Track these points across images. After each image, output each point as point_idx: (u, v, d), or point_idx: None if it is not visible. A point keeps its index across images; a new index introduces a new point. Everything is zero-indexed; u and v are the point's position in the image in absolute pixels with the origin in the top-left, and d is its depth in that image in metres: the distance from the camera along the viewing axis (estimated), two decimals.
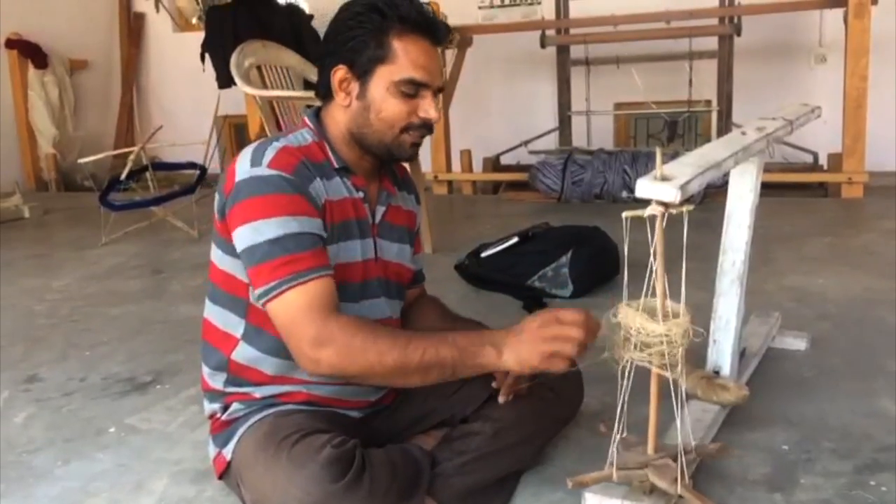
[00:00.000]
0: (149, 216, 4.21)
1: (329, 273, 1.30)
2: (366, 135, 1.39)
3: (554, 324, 1.25)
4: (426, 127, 1.40)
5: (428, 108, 1.37)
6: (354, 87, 1.38)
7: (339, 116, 1.41)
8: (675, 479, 1.30)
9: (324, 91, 1.42)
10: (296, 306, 1.25)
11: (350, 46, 1.35)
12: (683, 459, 1.30)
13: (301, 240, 1.28)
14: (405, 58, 1.34)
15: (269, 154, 1.32)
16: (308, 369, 1.28)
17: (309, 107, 3.37)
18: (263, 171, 1.29)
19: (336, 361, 1.24)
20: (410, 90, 1.35)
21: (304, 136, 1.41)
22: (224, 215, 1.34)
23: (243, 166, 1.32)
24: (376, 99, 1.36)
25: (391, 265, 1.50)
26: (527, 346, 1.25)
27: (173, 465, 1.69)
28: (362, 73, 1.36)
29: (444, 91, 1.45)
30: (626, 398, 1.24)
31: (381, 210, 1.47)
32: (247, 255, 1.29)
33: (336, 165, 1.40)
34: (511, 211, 4.48)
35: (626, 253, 1.19)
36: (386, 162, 1.46)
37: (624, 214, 1.18)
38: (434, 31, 1.37)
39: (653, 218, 1.18)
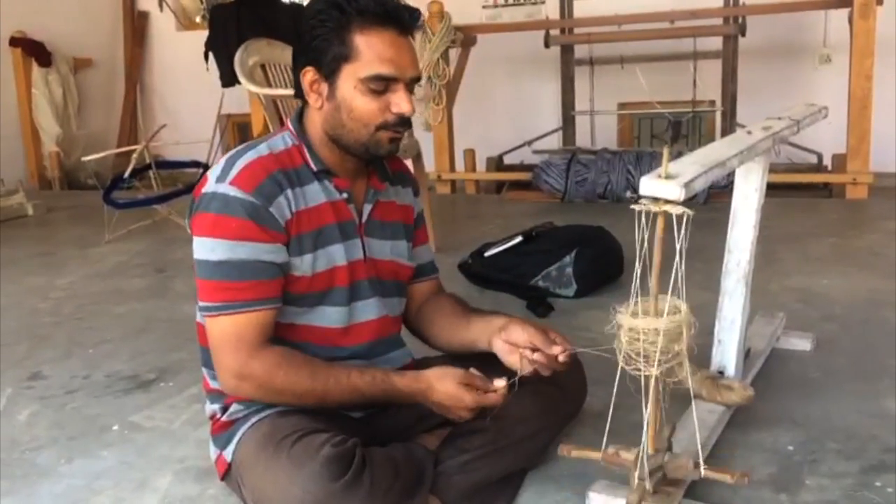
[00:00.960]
0: (152, 214, 4.21)
1: (269, 306, 1.32)
2: (341, 135, 1.37)
3: (457, 401, 1.32)
4: (401, 122, 1.36)
5: (400, 102, 1.33)
6: (324, 88, 1.36)
7: (315, 118, 1.39)
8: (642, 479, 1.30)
9: (298, 93, 1.40)
10: (225, 334, 1.31)
11: (314, 46, 1.33)
12: (646, 462, 1.29)
13: (245, 268, 1.29)
14: (369, 53, 1.31)
15: (238, 167, 1.32)
16: (228, 392, 1.37)
17: None
18: (226, 188, 1.30)
19: (256, 395, 1.34)
20: (379, 86, 1.32)
21: (284, 140, 1.40)
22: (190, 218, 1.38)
23: (212, 177, 1.33)
24: (346, 98, 1.33)
25: (383, 263, 1.48)
26: (433, 406, 1.35)
27: (177, 462, 1.69)
28: (329, 74, 1.34)
29: (419, 81, 1.39)
30: (612, 398, 1.26)
31: (367, 208, 1.46)
32: (196, 265, 1.34)
33: (315, 169, 1.38)
34: (514, 211, 4.48)
35: (639, 247, 1.18)
36: (368, 161, 1.43)
37: (634, 206, 1.17)
38: (399, 20, 1.33)
39: (667, 214, 1.17)
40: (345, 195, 1.41)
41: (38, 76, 6.18)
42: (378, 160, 1.46)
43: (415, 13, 1.36)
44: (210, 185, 1.32)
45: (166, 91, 6.96)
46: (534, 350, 1.41)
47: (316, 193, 1.38)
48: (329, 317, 1.40)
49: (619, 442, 1.35)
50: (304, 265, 1.35)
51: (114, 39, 6.95)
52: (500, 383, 1.34)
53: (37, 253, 3.94)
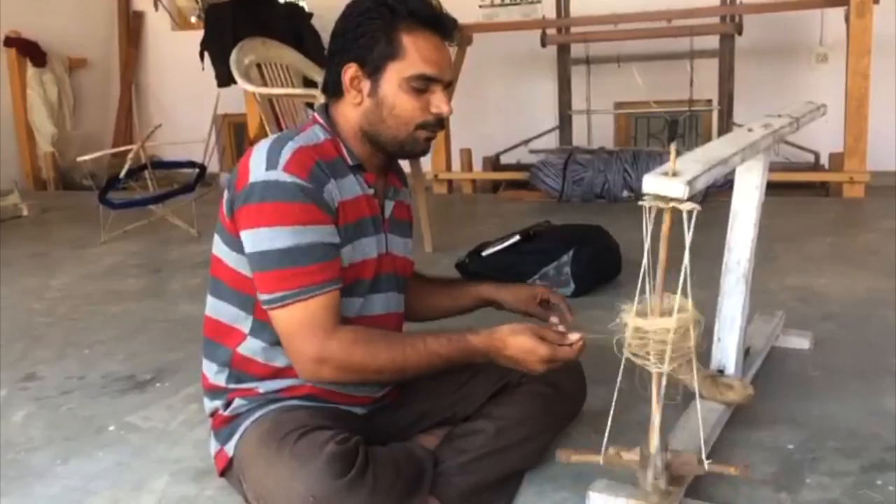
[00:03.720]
0: (148, 215, 4.19)
1: (337, 287, 1.31)
2: (380, 132, 1.38)
3: (531, 354, 1.30)
4: (439, 122, 1.39)
5: (440, 103, 1.37)
6: (366, 84, 1.36)
7: (351, 114, 1.39)
8: (653, 478, 1.29)
9: (333, 89, 1.40)
10: (299, 321, 1.28)
11: (360, 43, 1.34)
12: (659, 461, 1.29)
13: (312, 251, 1.28)
14: (416, 53, 1.33)
15: (286, 155, 1.30)
16: (307, 379, 1.34)
17: (309, 105, 3.37)
18: (279, 175, 1.28)
19: (335, 376, 1.32)
20: (422, 85, 1.35)
21: (316, 133, 1.39)
22: (233, 213, 1.33)
23: (258, 167, 1.30)
24: (388, 96, 1.35)
25: (399, 259, 1.50)
26: (505, 361, 1.34)
27: (174, 463, 1.67)
28: (373, 71, 1.35)
29: (452, 85, 1.44)
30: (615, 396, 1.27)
31: (389, 205, 1.47)
32: (256, 259, 1.30)
33: (350, 163, 1.39)
34: (511, 210, 4.47)
35: (647, 245, 1.17)
36: (398, 158, 1.46)
37: (643, 203, 1.16)
38: (442, 26, 1.37)
39: (673, 211, 1.17)
40: (373, 190, 1.42)
41: (32, 76, 6.16)
42: (407, 158, 1.48)
43: (455, 23, 1.40)
44: (258, 174, 1.29)
45: (162, 91, 6.94)
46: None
47: (352, 186, 1.38)
48: (345, 307, 1.38)
49: (619, 441, 1.35)
50: (343, 256, 1.35)
51: (109, 39, 6.93)
52: (574, 336, 1.34)
53: (32, 254, 3.92)
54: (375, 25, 1.33)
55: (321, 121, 1.41)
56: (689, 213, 1.16)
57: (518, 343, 1.30)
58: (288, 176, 1.28)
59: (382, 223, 1.44)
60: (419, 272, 1.68)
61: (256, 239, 1.29)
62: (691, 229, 1.15)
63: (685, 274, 1.20)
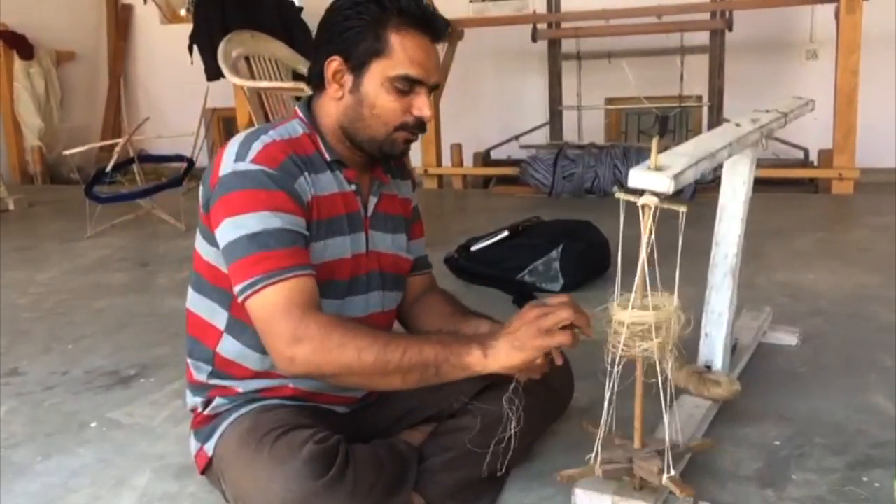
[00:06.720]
0: (135, 209, 4.17)
1: (308, 272, 1.26)
2: (357, 130, 1.35)
3: (545, 311, 1.23)
4: (419, 125, 1.36)
5: (422, 105, 1.33)
6: (348, 79, 1.34)
7: (331, 109, 1.37)
8: (660, 471, 1.28)
9: (316, 81, 1.38)
10: (273, 303, 1.22)
11: (346, 37, 1.32)
12: (669, 451, 1.28)
13: (281, 236, 1.25)
14: (402, 53, 1.30)
15: (256, 148, 1.28)
16: (283, 368, 1.24)
17: (297, 98, 3.35)
18: (248, 165, 1.26)
19: (312, 358, 1.21)
20: (405, 87, 1.31)
21: (294, 127, 1.37)
22: (208, 209, 1.32)
23: (228, 160, 1.29)
24: (370, 94, 1.32)
25: (385, 257, 1.46)
26: (522, 338, 1.22)
27: (156, 460, 1.66)
28: (357, 66, 1.32)
29: (438, 89, 1.41)
30: (614, 393, 1.23)
31: (373, 201, 1.44)
32: (228, 251, 1.27)
33: (328, 158, 1.36)
34: (501, 205, 4.46)
35: (621, 235, 1.15)
36: (374, 158, 1.41)
37: (618, 195, 1.15)
38: (433, 27, 1.33)
39: (645, 208, 1.16)
40: (353, 187, 1.40)
41: (19, 69, 6.11)
42: (385, 159, 1.43)
43: (448, 24, 1.37)
44: (228, 166, 1.28)
45: (150, 84, 6.90)
46: None
47: (328, 182, 1.36)
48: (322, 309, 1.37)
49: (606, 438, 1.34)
50: (314, 253, 1.32)
51: (97, 32, 6.89)
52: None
53: (17, 247, 3.88)
54: (364, 20, 1.30)
55: (301, 115, 1.39)
56: (645, 206, 1.14)
57: (523, 315, 1.24)
58: (256, 166, 1.26)
59: (363, 221, 1.41)
60: (446, 293, 1.61)
61: (226, 230, 1.26)
62: (670, 224, 1.14)
63: (656, 269, 1.19)
